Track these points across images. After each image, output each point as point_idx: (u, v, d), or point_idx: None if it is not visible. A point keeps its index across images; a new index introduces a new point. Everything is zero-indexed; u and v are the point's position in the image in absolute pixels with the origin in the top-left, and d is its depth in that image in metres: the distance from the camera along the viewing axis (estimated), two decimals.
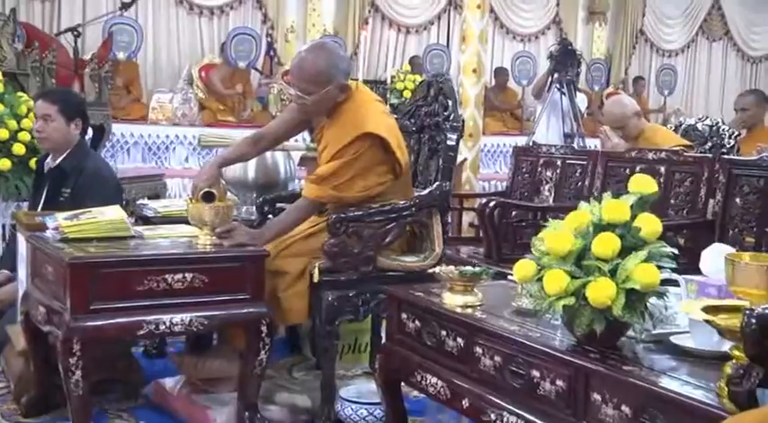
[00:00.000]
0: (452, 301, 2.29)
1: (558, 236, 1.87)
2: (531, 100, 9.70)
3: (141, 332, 2.52)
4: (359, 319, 2.85)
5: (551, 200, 4.38)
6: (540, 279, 1.89)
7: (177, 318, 2.55)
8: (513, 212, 4.31)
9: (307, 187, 2.83)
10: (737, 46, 12.25)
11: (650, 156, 3.83)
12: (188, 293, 2.57)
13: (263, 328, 2.66)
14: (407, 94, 7.54)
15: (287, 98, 8.90)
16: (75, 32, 5.75)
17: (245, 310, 2.65)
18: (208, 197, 2.78)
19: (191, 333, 2.53)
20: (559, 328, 2.06)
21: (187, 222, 2.93)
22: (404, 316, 2.45)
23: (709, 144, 4.72)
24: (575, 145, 6.34)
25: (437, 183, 2.94)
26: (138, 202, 3.86)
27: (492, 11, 9.77)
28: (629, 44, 11.37)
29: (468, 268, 2.31)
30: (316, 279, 2.77)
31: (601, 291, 1.76)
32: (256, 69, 8.79)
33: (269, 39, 9.32)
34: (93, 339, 2.48)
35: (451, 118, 3.00)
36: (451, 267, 2.33)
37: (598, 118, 9.36)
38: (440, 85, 3.17)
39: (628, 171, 3.92)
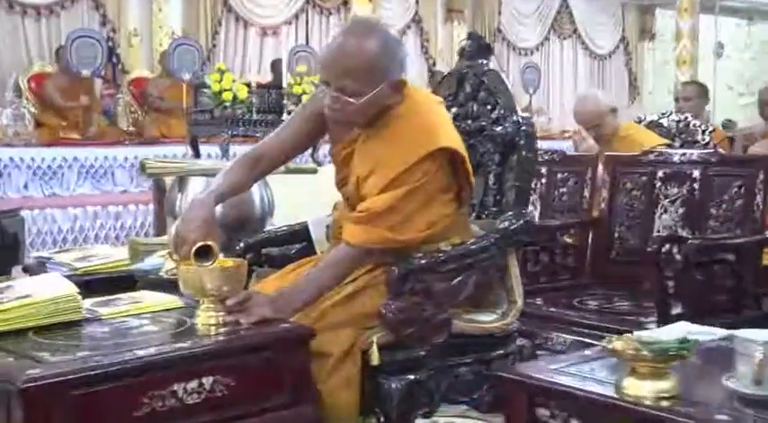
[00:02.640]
0: (638, 390, 1.56)
1: None
2: None
3: None
4: (433, 410, 2.00)
5: (537, 215, 3.72)
6: None
7: None
8: None
9: (350, 230, 1.94)
10: (585, 44, 12.31)
11: (676, 158, 3.24)
12: (208, 409, 1.63)
13: None
14: (306, 99, 6.61)
15: (139, 110, 7.75)
16: None
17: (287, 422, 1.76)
18: (203, 254, 1.85)
19: None
20: None
21: (123, 282, 2.19)
22: (543, 412, 1.68)
23: (679, 141, 4.30)
24: None
25: (511, 212, 2.14)
26: (36, 257, 2.76)
27: (348, 8, 9.07)
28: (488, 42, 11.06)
29: (666, 342, 1.57)
30: (375, 361, 1.90)
31: None
32: (102, 78, 7.55)
33: (110, 43, 8.06)
34: None
35: (521, 121, 2.23)
36: (635, 343, 1.57)
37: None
38: (479, 78, 2.42)
39: (645, 178, 3.33)
